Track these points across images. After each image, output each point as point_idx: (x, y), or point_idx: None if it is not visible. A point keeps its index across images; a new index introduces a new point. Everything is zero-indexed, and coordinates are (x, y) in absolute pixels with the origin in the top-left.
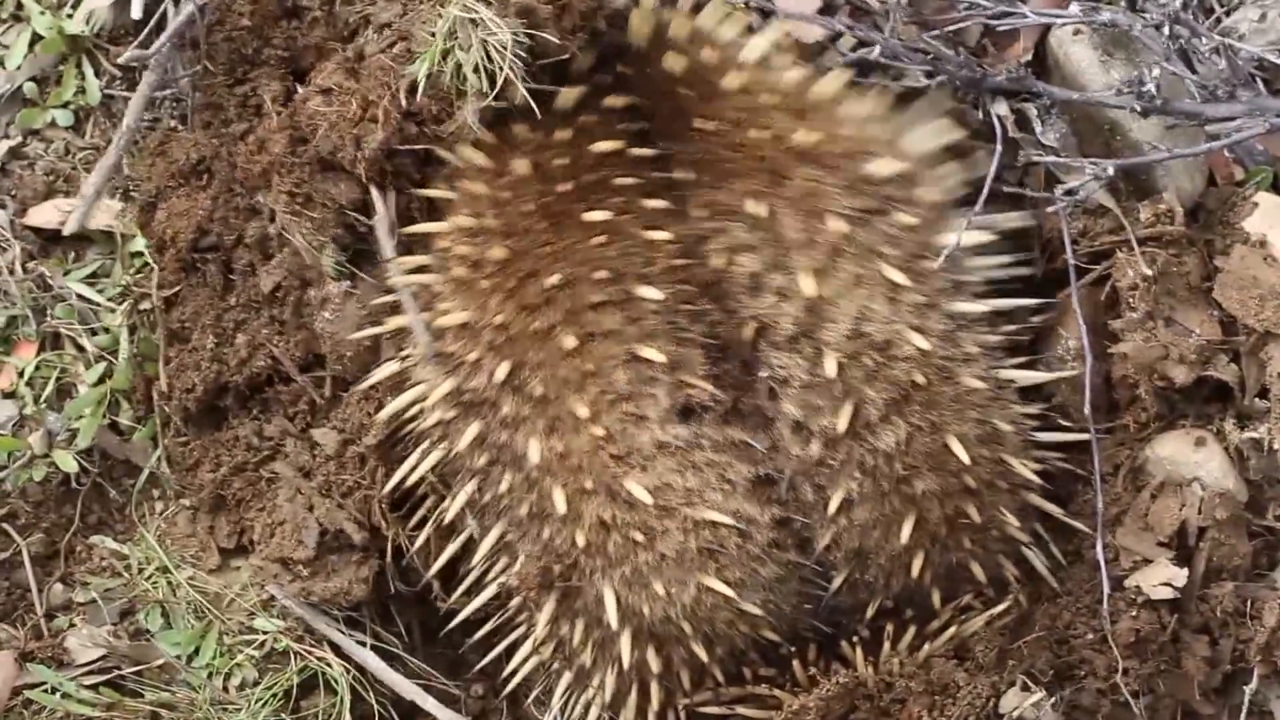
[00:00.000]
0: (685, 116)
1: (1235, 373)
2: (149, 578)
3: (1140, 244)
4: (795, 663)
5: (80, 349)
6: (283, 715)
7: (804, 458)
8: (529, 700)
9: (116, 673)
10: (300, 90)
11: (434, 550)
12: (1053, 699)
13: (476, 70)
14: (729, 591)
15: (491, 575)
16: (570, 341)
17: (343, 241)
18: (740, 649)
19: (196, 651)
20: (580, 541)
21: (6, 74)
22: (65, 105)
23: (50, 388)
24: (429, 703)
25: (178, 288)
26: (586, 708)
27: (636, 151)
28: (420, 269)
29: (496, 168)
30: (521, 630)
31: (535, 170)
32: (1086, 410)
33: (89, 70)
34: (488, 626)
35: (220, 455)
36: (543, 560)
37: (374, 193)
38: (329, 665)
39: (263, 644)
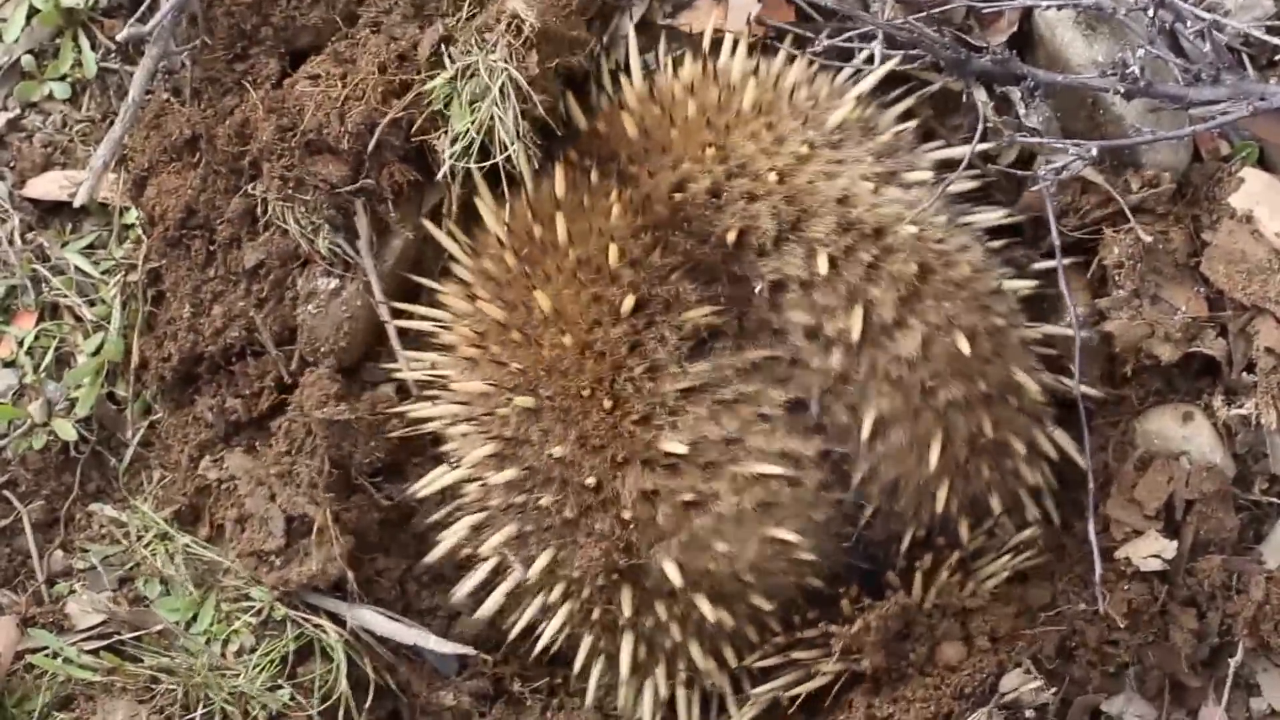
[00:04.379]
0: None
1: (1223, 348)
2: (148, 545)
3: (1130, 216)
4: (843, 600)
5: (79, 319)
6: (280, 681)
7: (827, 370)
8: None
9: (116, 638)
10: (290, 78)
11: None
12: (1052, 689)
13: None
14: (795, 538)
15: (555, 596)
16: (568, 340)
17: (335, 223)
18: (794, 597)
19: (195, 618)
20: (626, 516)
21: (4, 47)
22: (63, 78)
23: (49, 357)
24: (431, 641)
25: (164, 261)
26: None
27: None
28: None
29: (475, 245)
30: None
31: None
32: (1077, 392)
33: (85, 43)
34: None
35: (188, 433)
36: (600, 548)
37: (359, 212)
38: (325, 632)
39: (260, 611)
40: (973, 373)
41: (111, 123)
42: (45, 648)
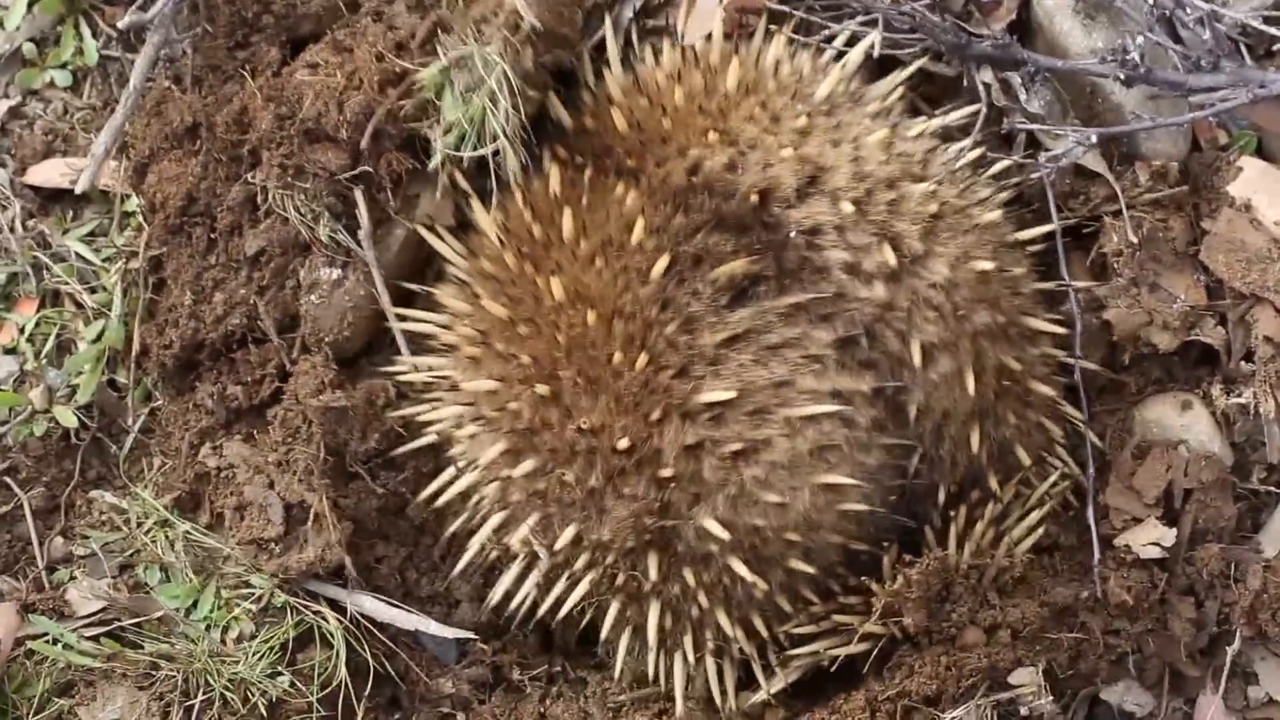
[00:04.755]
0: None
1: (1222, 336)
2: (148, 532)
3: (1130, 207)
4: (885, 560)
5: (80, 306)
6: (280, 668)
7: (872, 299)
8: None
9: (116, 625)
10: (290, 67)
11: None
12: (1050, 699)
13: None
14: (849, 481)
15: (578, 567)
16: (592, 316)
17: (335, 210)
18: (833, 561)
19: (195, 605)
20: (666, 474)
21: (6, 34)
22: (64, 66)
23: (50, 344)
24: (431, 626)
25: (165, 248)
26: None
27: None
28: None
29: (470, 247)
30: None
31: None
32: (1077, 378)
33: (87, 31)
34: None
35: (189, 420)
36: (629, 509)
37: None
38: (325, 619)
39: (259, 598)
40: (995, 301)
41: (113, 110)
42: (45, 634)
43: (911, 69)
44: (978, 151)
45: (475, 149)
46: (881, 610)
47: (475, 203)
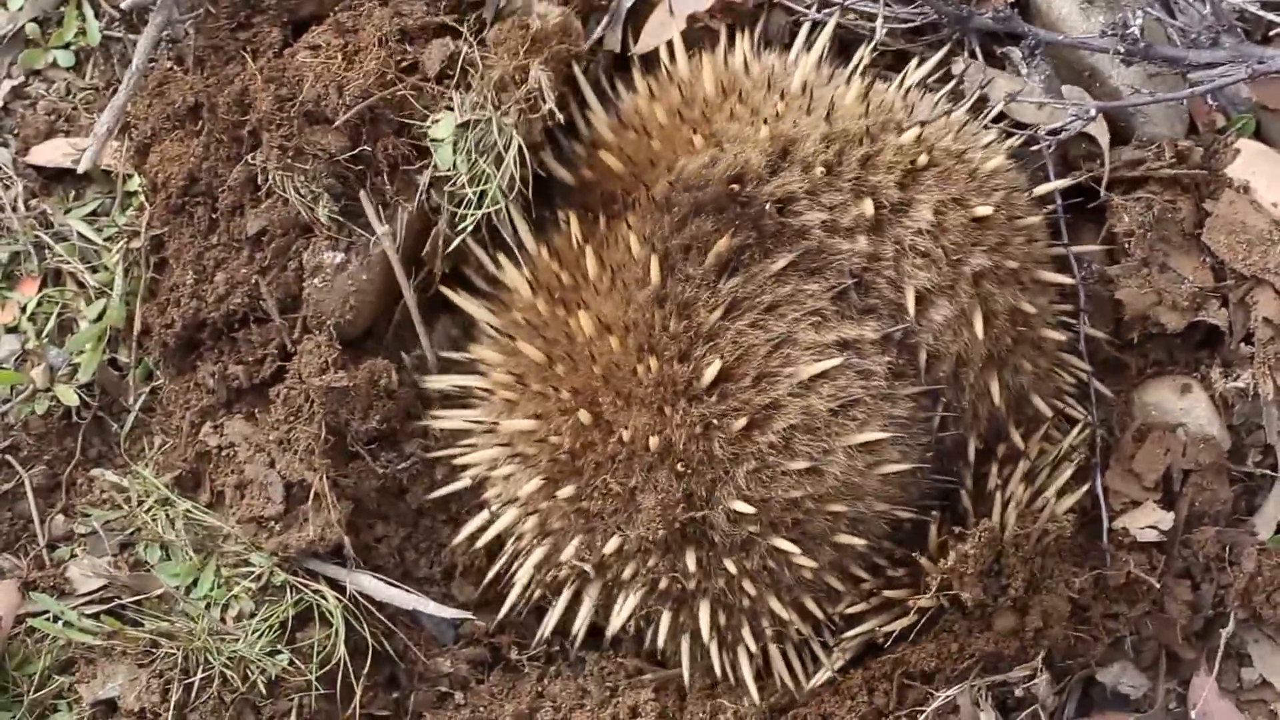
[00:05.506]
0: None
1: (1226, 317)
2: (148, 510)
3: (1145, 181)
4: (931, 529)
5: (81, 285)
6: (279, 646)
7: (857, 251)
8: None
9: (116, 602)
10: (291, 48)
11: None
12: (1047, 676)
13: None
14: (885, 435)
15: (626, 575)
16: (614, 340)
17: (334, 192)
18: (881, 534)
19: (195, 583)
20: (680, 467)
21: (9, 15)
22: (66, 46)
23: (52, 323)
24: (429, 606)
25: (166, 228)
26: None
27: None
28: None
29: (499, 303)
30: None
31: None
32: (1085, 362)
33: (89, 11)
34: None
35: (190, 399)
36: (656, 498)
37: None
38: (324, 598)
39: (259, 576)
40: (999, 246)
41: (115, 90)
42: (46, 611)
43: (872, 44)
44: (971, 100)
45: (476, 206)
46: (938, 585)
47: (504, 259)
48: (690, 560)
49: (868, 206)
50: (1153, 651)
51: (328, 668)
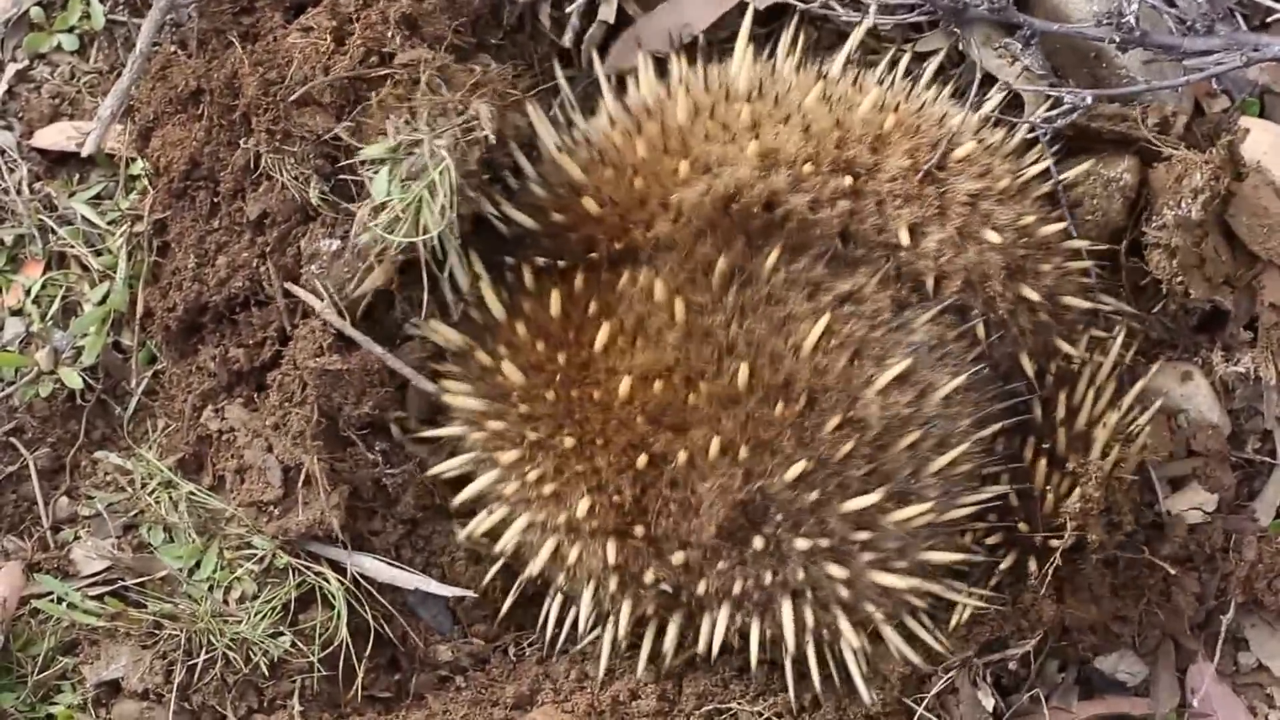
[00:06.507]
0: None
1: (1234, 301)
2: (152, 492)
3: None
4: (1032, 466)
5: (85, 268)
6: (281, 628)
7: (838, 213)
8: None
9: (120, 584)
10: (284, 30)
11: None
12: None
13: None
14: (906, 363)
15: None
16: (658, 386)
17: (324, 172)
18: (978, 452)
19: (198, 565)
20: (743, 455)
21: None
22: (71, 30)
23: (56, 306)
24: (433, 585)
25: (169, 212)
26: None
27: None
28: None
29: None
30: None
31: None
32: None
33: None
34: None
35: (192, 382)
36: (718, 489)
37: None
38: (326, 580)
39: (261, 558)
40: (985, 172)
41: (119, 74)
42: (50, 593)
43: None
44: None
45: (410, 234)
46: (1061, 524)
47: (503, 359)
48: (758, 542)
49: (846, 181)
50: (1155, 639)
51: (330, 649)
